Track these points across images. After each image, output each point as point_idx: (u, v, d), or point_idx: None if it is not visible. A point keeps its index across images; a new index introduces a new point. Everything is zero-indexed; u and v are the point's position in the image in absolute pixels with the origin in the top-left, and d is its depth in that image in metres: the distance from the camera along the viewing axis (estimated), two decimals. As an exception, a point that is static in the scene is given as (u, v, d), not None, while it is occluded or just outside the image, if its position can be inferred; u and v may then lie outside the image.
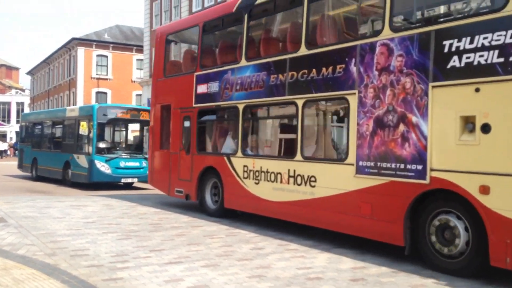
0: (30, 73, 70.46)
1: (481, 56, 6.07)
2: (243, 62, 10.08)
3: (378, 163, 7.25)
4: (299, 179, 8.65)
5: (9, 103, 70.75)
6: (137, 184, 19.29)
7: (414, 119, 6.78)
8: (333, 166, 8.22)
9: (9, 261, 6.49)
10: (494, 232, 5.89)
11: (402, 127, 6.94)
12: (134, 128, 20.80)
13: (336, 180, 7.97)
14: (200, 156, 11.33)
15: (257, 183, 9.58)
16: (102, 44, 48.64)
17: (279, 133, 10.07)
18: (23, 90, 79.47)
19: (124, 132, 21.13)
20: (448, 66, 6.41)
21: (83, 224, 9.57)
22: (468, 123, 6.21)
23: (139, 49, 45.58)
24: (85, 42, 48.29)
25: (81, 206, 12.34)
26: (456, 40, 6.35)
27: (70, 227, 9.19)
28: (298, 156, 8.70)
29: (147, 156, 18.02)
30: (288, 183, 8.86)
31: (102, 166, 17.52)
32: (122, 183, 18.34)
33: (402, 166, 6.92)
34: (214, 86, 10.82)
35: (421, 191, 6.71)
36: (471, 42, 6.18)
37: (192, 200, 11.60)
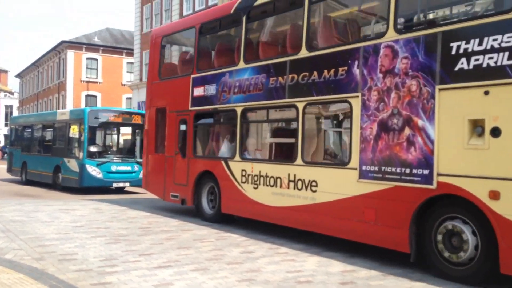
0: (19, 76, 69.70)
1: (491, 58, 5.93)
2: (241, 65, 9.88)
3: (383, 168, 7.08)
4: (299, 183, 8.46)
5: (-3, 106, 70.03)
6: (129, 188, 19.06)
7: (420, 122, 6.62)
8: (335, 170, 8.03)
9: (-4, 265, 6.36)
10: (504, 238, 5.74)
11: (407, 131, 6.78)
12: (126, 132, 20.55)
13: (338, 184, 7.79)
14: (197, 160, 11.10)
15: (255, 188, 9.38)
16: (92, 47, 48.24)
17: (278, 137, 9.88)
18: (12, 93, 78.63)
19: (115, 136, 20.91)
20: (456, 69, 6.26)
21: (72, 228, 9.46)
22: (476, 126, 6.06)
23: (130, 52, 45.25)
24: (75, 45, 47.85)
25: (70, 210, 12.23)
26: (464, 42, 6.21)
27: (58, 231, 9.08)
28: (299, 160, 8.52)
29: (139, 160, 17.90)
30: (288, 187, 8.66)
31: (93, 170, 17.28)
32: (113, 188, 18.04)
33: (408, 170, 6.75)
34: (211, 89, 10.62)
35: (428, 196, 6.55)
36: (480, 44, 6.04)
37: (188, 205, 11.37)
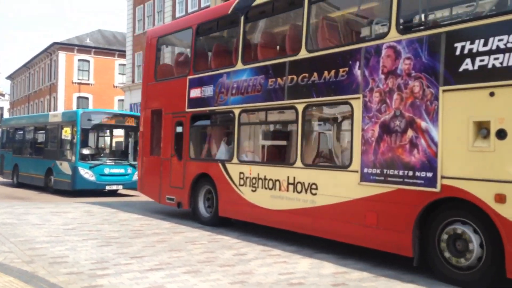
0: (10, 77, 69.15)
1: (496, 59, 5.84)
2: (239, 66, 9.74)
3: (385, 170, 6.97)
4: (299, 186, 8.33)
5: (-13, 108, 69.43)
6: (122, 191, 18.88)
7: (423, 124, 6.52)
8: (335, 173, 7.91)
9: (-14, 268, 6.27)
10: (510, 242, 5.64)
11: (410, 133, 6.67)
12: (119, 134, 20.36)
13: (339, 187, 7.67)
14: (193, 163, 10.94)
15: (254, 191, 9.23)
16: (83, 48, 47.89)
17: (277, 139, 9.75)
18: (3, 95, 77.95)
19: (108, 138, 20.71)
20: (460, 69, 6.16)
21: (63, 231, 9.36)
22: (482, 128, 5.97)
23: (122, 54, 45.01)
24: (67, 46, 47.50)
25: (61, 212, 12.12)
26: (468, 42, 6.11)
27: (49, 234, 9.00)
28: (298, 163, 8.38)
29: (132, 162, 17.73)
30: (288, 190, 8.53)
31: (86, 173, 17.07)
32: (106, 190, 17.84)
33: (411, 173, 6.64)
34: (208, 90, 10.47)
35: (432, 200, 6.44)
36: (485, 44, 5.94)
37: (184, 208, 11.21)
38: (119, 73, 47.73)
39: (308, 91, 8.24)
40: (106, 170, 17.46)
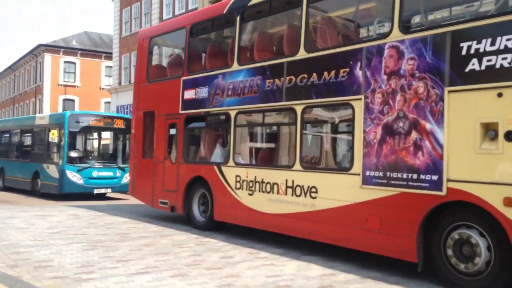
0: (-7, 79, 68.23)
1: (504, 58, 5.70)
2: (235, 66, 9.53)
3: (388, 173, 6.80)
4: (298, 190, 8.13)
5: (-29, 111, 68.30)
6: (110, 194, 18.62)
7: (428, 126, 6.36)
8: (336, 176, 7.73)
9: (-31, 273, 6.21)
10: (520, 247, 5.50)
11: (414, 135, 6.51)
12: (107, 137, 20.04)
13: (340, 191, 7.49)
14: (188, 165, 10.69)
15: (251, 194, 9.02)
16: (70, 50, 47.40)
17: (275, 141, 9.55)
18: (-14, 97, 76.83)
19: (97, 141, 20.39)
20: (467, 70, 6.02)
21: (48, 235, 9.25)
22: (489, 130, 5.82)
23: (108, 56, 44.64)
24: (52, 48, 46.98)
25: (46, 216, 11.96)
26: (475, 42, 5.97)
27: (34, 238, 8.89)
28: (297, 166, 8.19)
29: (121, 165, 17.43)
30: (286, 194, 8.33)
31: (74, 176, 16.75)
32: (95, 194, 17.50)
33: (415, 176, 6.48)
34: (203, 92, 10.24)
35: (437, 203, 6.27)
36: (493, 44, 5.81)
37: (178, 212, 10.97)
38: (106, 75, 47.35)
39: (307, 92, 8.06)
40: (95, 173, 17.16)
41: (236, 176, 9.36)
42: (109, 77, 44.65)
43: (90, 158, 18.30)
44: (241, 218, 9.32)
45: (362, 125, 7.17)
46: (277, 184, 8.51)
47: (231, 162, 9.53)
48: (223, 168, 9.69)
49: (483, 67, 5.88)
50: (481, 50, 5.90)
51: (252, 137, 10.11)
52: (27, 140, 20.25)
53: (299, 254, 7.98)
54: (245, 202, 9.14)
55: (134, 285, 5.90)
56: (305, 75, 8.08)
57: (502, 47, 5.72)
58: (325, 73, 7.76)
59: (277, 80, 8.61)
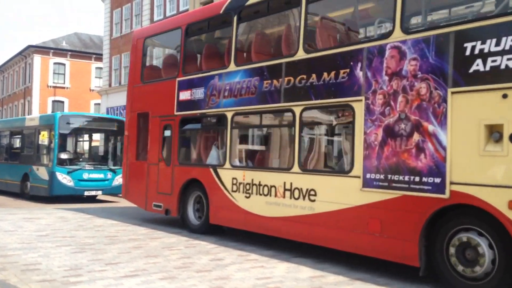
0: (-19, 81, 67.52)
1: (510, 59, 5.61)
2: (232, 67, 9.38)
3: (389, 176, 6.68)
4: (296, 192, 8.00)
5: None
6: (101, 197, 18.37)
7: (430, 127, 6.26)
8: (336, 178, 7.60)
9: (-45, 277, 6.12)
10: (527, 251, 5.41)
11: (416, 137, 6.40)
12: (98, 138, 19.82)
13: (340, 194, 7.36)
14: (183, 168, 10.51)
15: (247, 197, 8.87)
16: (59, 51, 47.09)
17: (273, 143, 9.40)
18: (-26, 99, 76.07)
19: (87, 143, 20.16)
20: (471, 71, 5.93)
21: (36, 238, 9.13)
22: (494, 132, 5.72)
23: (99, 57, 44.37)
24: (42, 49, 46.61)
25: (34, 218, 11.79)
26: (479, 42, 5.88)
27: (22, 241, 8.77)
28: (296, 168, 8.06)
29: (112, 167, 17.23)
30: (284, 197, 8.19)
31: (64, 178, 16.50)
32: (85, 196, 17.27)
33: (417, 179, 6.37)
34: (198, 93, 10.07)
35: (440, 206, 6.16)
36: (498, 44, 5.72)
37: (172, 215, 10.78)
38: (96, 77, 47.11)
39: (306, 93, 7.93)
40: (85, 175, 16.92)
41: (233, 178, 9.20)
42: (99, 79, 44.39)
43: (80, 160, 18.07)
44: (238, 221, 9.16)
45: (363, 126, 7.05)
46: (275, 186, 8.37)
47: (227, 164, 9.37)
48: (219, 171, 9.53)
49: (487, 68, 5.79)
50: (486, 50, 5.82)
51: (249, 139, 9.97)
52: (17, 142, 19.99)
53: (289, 256, 7.98)
54: (242, 205, 8.98)
55: (122, 288, 5.83)
56: (304, 76, 7.96)
57: (507, 47, 5.64)
58: (325, 74, 7.64)
59: (275, 81, 8.47)
